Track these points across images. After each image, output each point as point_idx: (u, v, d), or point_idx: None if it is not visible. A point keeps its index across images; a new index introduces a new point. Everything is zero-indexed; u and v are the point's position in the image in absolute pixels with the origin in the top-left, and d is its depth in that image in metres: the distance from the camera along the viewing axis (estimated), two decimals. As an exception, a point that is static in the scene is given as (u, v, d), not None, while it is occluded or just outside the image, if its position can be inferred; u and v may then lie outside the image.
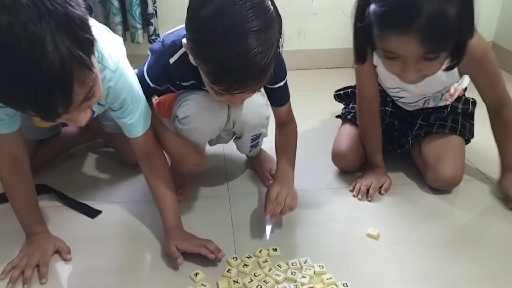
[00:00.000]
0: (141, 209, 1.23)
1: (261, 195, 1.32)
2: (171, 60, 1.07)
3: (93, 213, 1.22)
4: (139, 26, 2.01)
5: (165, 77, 1.12)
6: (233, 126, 1.21)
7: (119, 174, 1.40)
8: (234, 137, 1.32)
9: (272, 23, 0.88)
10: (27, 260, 1.02)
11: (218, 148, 1.48)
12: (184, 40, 0.96)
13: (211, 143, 1.36)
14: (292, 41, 2.27)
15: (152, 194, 1.13)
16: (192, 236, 1.08)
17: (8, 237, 1.12)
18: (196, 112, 1.13)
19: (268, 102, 1.21)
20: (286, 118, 1.23)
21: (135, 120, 1.04)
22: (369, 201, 1.26)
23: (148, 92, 1.11)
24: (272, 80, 1.06)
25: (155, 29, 2.07)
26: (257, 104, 1.19)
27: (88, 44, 0.74)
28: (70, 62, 0.70)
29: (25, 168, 1.04)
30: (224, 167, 1.45)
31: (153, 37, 2.08)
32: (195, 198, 1.29)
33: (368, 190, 1.28)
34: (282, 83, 1.15)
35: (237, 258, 1.05)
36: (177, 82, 1.15)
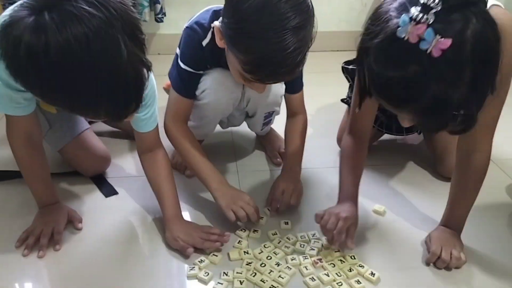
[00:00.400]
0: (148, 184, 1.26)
1: (269, 172, 1.34)
2: (204, 42, 1.08)
3: (109, 192, 1.23)
4: (146, 4, 2.01)
5: (201, 60, 1.11)
6: (247, 105, 1.23)
7: (130, 149, 1.42)
8: (246, 118, 1.34)
9: (310, 20, 0.91)
10: (42, 229, 1.04)
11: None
12: (217, 23, 0.98)
13: (223, 125, 1.37)
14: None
15: (152, 187, 1.11)
16: (193, 227, 1.06)
17: (20, 208, 1.15)
18: (212, 87, 1.14)
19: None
20: (298, 108, 1.25)
21: (149, 116, 1.05)
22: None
23: (195, 82, 1.13)
24: None
25: (161, 8, 2.07)
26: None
27: (144, 44, 0.77)
28: (140, 67, 0.74)
29: (39, 145, 1.06)
30: (232, 144, 1.47)
31: (159, 16, 2.08)
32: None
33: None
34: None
35: (245, 230, 1.08)
36: (208, 66, 1.14)
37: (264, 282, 0.94)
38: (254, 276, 0.95)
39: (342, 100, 1.48)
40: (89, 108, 0.76)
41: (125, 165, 1.35)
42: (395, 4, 0.73)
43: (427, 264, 1.01)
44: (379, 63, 0.74)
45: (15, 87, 0.88)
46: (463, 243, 1.04)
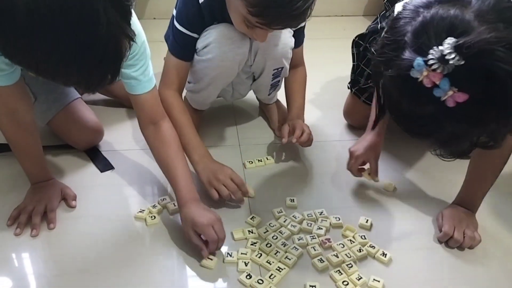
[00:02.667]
0: (148, 156, 1.19)
1: (272, 145, 1.28)
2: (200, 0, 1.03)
3: (105, 166, 1.16)
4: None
5: (198, 20, 1.06)
6: (254, 59, 1.14)
7: (125, 119, 1.35)
8: (252, 83, 1.26)
9: None
10: (34, 206, 0.99)
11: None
12: None
13: (228, 95, 1.30)
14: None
15: (160, 165, 1.01)
16: (206, 214, 0.93)
17: (8, 182, 1.08)
18: (217, 40, 1.06)
19: (293, 32, 1.16)
20: (299, 60, 1.27)
21: (140, 73, 0.95)
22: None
23: (189, 44, 1.08)
24: None
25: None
26: (281, 32, 1.13)
27: (129, 13, 0.70)
28: (121, 38, 0.67)
29: (28, 120, 0.97)
30: (234, 116, 1.40)
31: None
32: (206, 148, 1.25)
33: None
34: (304, 23, 1.15)
35: (212, 259, 0.91)
36: (204, 27, 1.08)
37: (270, 264, 0.89)
38: (259, 257, 0.91)
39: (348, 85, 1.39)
40: (57, 75, 0.70)
41: (121, 137, 1.27)
42: (414, 26, 0.62)
43: (440, 243, 0.97)
44: (394, 94, 0.66)
45: None
46: (477, 222, 0.99)
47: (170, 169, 0.99)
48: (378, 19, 1.26)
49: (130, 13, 0.70)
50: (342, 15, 2.25)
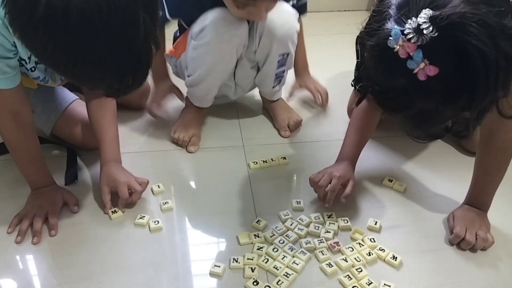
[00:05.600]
0: (149, 159, 1.17)
1: (278, 146, 1.25)
2: None
3: (70, 177, 1.11)
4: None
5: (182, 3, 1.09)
6: (259, 44, 1.12)
7: (128, 119, 1.32)
8: (257, 74, 1.24)
9: None
10: (35, 212, 0.96)
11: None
12: None
13: (230, 92, 1.27)
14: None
15: (94, 127, 1.06)
16: (125, 173, 1.02)
17: (8, 188, 1.06)
18: (213, 23, 1.05)
19: (298, 13, 1.15)
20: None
21: None
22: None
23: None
24: None
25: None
26: (286, 11, 1.11)
27: (158, 21, 0.71)
28: (152, 45, 0.69)
29: (29, 124, 0.96)
30: (237, 116, 1.37)
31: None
32: (210, 149, 1.23)
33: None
34: None
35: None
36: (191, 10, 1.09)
37: (278, 269, 0.87)
38: (266, 262, 0.88)
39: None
40: (91, 80, 0.71)
41: (125, 139, 1.25)
42: (397, 0, 0.64)
43: (451, 244, 0.94)
44: (372, 64, 0.68)
45: None
46: (489, 222, 0.97)
47: (101, 131, 1.05)
48: None
49: (159, 21, 0.71)
50: (345, 10, 2.22)
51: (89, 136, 1.17)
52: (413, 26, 0.60)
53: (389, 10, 0.64)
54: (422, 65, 0.60)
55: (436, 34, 0.58)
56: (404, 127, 0.75)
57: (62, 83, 1.10)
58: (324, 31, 1.96)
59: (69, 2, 0.60)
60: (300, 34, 1.27)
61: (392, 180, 1.10)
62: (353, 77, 1.31)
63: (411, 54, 0.60)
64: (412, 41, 0.59)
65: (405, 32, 0.60)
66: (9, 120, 0.93)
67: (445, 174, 1.15)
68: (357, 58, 1.29)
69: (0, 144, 1.07)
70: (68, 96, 1.18)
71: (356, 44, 1.27)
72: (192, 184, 1.13)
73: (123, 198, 0.99)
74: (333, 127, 1.32)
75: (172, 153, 1.20)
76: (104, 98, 1.00)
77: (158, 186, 1.07)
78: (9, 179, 1.08)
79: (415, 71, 0.61)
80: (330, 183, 0.97)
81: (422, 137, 0.76)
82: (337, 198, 0.99)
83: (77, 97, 1.19)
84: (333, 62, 1.65)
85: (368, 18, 0.71)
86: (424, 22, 0.59)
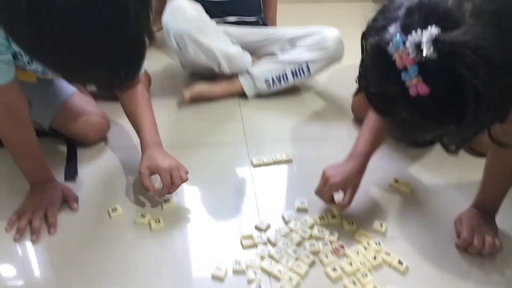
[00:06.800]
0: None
1: (281, 142, 1.23)
2: None
3: (70, 175, 1.09)
4: None
5: None
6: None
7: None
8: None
9: None
10: (34, 210, 0.95)
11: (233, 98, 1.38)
12: None
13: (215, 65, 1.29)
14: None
15: (129, 116, 1.06)
16: (169, 159, 1.00)
17: (6, 184, 1.04)
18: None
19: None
20: None
21: None
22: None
23: None
24: None
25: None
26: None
27: (151, 11, 0.67)
28: (146, 38, 0.66)
29: (24, 117, 0.94)
30: (240, 113, 1.35)
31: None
32: (211, 145, 1.20)
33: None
34: None
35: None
36: None
37: (281, 273, 0.85)
38: (269, 265, 0.87)
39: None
40: (81, 74, 0.68)
41: (128, 131, 1.23)
42: (411, 2, 0.60)
43: (459, 249, 0.92)
44: (369, 62, 0.66)
45: None
46: (497, 227, 0.95)
47: (137, 117, 1.04)
48: None
49: (152, 11, 0.67)
50: (350, 1, 2.17)
51: (89, 130, 1.16)
52: (415, 41, 0.56)
53: (399, 11, 0.61)
54: (414, 81, 0.58)
55: (436, 56, 0.55)
56: (387, 129, 0.73)
57: None
58: (328, 22, 1.92)
59: None
60: None
61: (398, 181, 1.08)
62: (357, 73, 1.29)
63: (407, 67, 0.58)
64: (411, 56, 0.57)
65: (406, 44, 0.57)
66: (3, 114, 0.90)
67: (453, 176, 1.12)
68: (362, 54, 1.27)
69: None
70: (67, 89, 1.15)
71: (362, 40, 1.26)
72: (194, 181, 1.10)
73: (165, 187, 0.95)
74: (336, 123, 1.30)
75: (174, 149, 1.18)
76: (134, 88, 1.03)
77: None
78: (7, 175, 1.06)
79: (407, 85, 0.59)
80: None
81: (404, 143, 0.75)
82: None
83: (76, 90, 1.16)
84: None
85: (377, 12, 0.67)
86: (427, 42, 0.56)
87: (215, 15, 1.36)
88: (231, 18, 1.41)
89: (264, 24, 1.49)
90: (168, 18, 1.22)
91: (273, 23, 1.57)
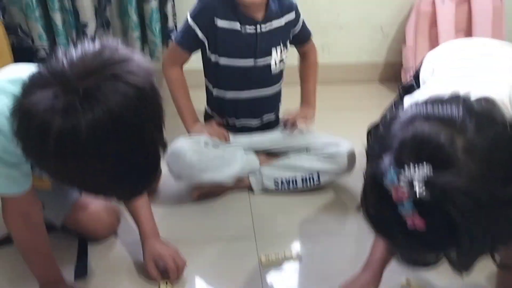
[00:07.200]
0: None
1: (293, 235, 1.22)
2: None
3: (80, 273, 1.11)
4: (158, 41, 1.93)
5: (208, 11, 1.23)
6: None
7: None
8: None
9: None
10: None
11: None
12: None
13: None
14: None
15: (128, 206, 1.11)
16: (168, 248, 1.08)
17: (17, 281, 1.05)
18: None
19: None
20: (310, 49, 1.45)
21: None
22: None
23: (194, 38, 1.26)
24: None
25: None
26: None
27: (164, 123, 0.73)
28: (160, 152, 0.72)
29: (38, 225, 0.97)
30: (249, 206, 1.36)
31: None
32: (218, 239, 1.21)
33: None
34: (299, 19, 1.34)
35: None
36: (218, 22, 1.23)
37: None
38: None
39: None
40: (103, 192, 0.75)
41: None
42: (404, 136, 0.61)
43: None
44: (367, 185, 0.66)
45: (10, 162, 0.82)
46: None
47: (136, 210, 1.10)
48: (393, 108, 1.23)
49: (164, 124, 0.73)
50: (358, 81, 2.23)
51: (99, 227, 1.18)
52: (407, 179, 0.57)
53: (393, 142, 0.61)
54: (410, 215, 0.58)
55: (429, 197, 0.56)
56: (391, 248, 0.73)
57: None
58: (334, 106, 1.92)
59: (77, 132, 0.61)
60: (314, 68, 1.47)
61: (410, 284, 1.06)
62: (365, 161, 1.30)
63: (403, 201, 0.58)
64: (405, 192, 0.57)
65: (400, 180, 0.57)
66: (19, 222, 0.93)
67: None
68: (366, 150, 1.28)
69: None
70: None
71: (368, 137, 1.27)
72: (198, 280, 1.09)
73: (174, 271, 1.05)
74: (346, 219, 1.29)
75: (180, 245, 1.17)
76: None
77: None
78: (16, 269, 1.07)
79: (404, 218, 0.59)
80: None
81: (409, 264, 0.73)
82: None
83: None
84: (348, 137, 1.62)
85: (374, 138, 0.69)
86: (419, 181, 0.56)
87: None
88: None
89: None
90: (169, 160, 1.23)
91: (308, 100, 1.45)
